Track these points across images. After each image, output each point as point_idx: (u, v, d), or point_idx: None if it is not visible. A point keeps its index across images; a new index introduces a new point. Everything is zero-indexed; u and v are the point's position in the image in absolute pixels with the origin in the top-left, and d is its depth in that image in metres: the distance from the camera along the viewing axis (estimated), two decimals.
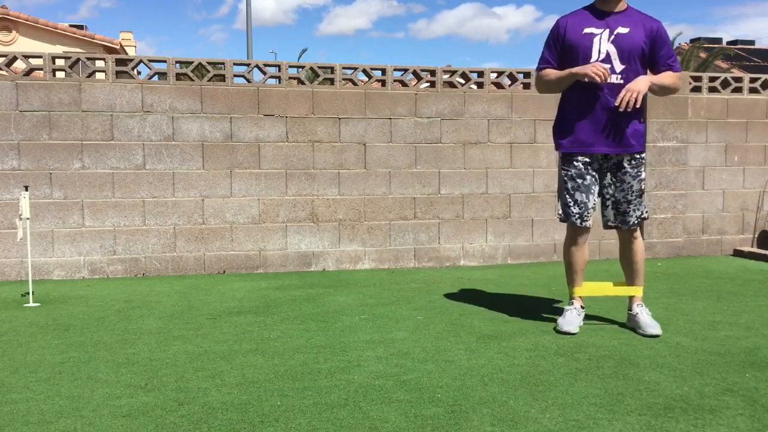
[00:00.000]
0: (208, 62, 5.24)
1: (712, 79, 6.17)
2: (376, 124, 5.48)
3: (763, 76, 6.30)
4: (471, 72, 5.69)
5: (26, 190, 4.31)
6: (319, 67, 5.46)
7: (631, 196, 3.42)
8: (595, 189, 3.47)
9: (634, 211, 3.43)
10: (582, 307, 3.55)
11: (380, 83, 5.60)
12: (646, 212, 3.50)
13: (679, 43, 25.66)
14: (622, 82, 3.33)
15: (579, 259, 3.53)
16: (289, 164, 5.36)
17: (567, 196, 3.48)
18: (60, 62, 5.10)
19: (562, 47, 3.42)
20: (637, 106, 3.26)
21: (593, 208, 3.49)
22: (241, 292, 4.51)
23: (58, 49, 20.51)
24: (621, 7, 3.38)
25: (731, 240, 6.29)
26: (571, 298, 3.58)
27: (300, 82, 5.47)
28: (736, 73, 18.50)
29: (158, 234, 5.18)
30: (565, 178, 3.49)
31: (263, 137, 5.30)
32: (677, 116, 6.02)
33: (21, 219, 4.20)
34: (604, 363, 2.91)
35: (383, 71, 5.53)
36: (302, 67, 5.49)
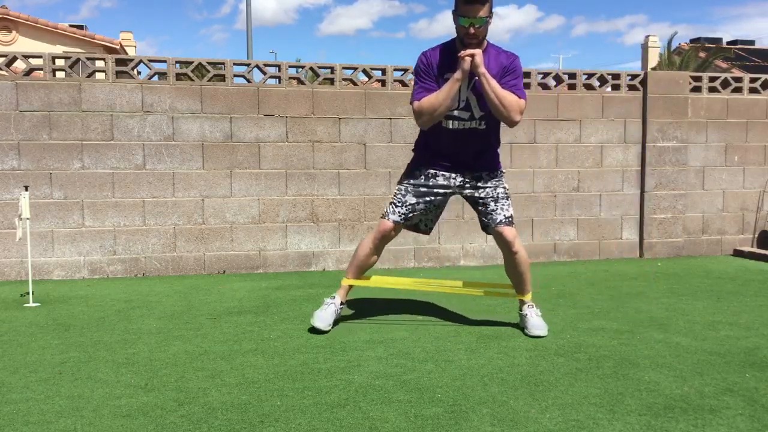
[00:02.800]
0: (208, 62, 5.24)
1: (712, 79, 6.17)
2: (376, 124, 5.48)
3: (763, 76, 6.30)
4: None
5: (26, 190, 4.31)
6: (319, 67, 5.46)
7: (497, 196, 3.41)
8: (432, 201, 3.45)
9: (501, 209, 3.40)
10: (342, 304, 3.53)
11: (380, 83, 5.60)
12: (512, 216, 3.45)
13: (679, 43, 25.67)
14: (483, 127, 3.34)
15: (370, 258, 3.48)
16: (289, 164, 5.36)
17: (399, 195, 3.44)
18: (60, 62, 5.09)
19: (437, 82, 3.29)
20: (467, 53, 3.13)
21: (416, 216, 3.45)
22: (241, 292, 4.51)
23: (58, 49, 20.52)
24: (481, 49, 3.26)
25: (731, 240, 6.29)
26: (336, 292, 3.56)
27: (300, 82, 5.47)
28: (736, 73, 18.50)
29: (158, 234, 5.18)
30: (406, 180, 3.47)
31: (263, 137, 5.30)
32: (677, 116, 6.02)
33: (21, 219, 4.20)
34: (604, 363, 2.91)
35: (383, 71, 5.53)
36: (302, 67, 5.49)
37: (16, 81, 4.92)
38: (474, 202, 3.49)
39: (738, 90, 6.21)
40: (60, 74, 5.15)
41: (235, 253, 5.33)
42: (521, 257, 3.43)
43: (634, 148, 6.00)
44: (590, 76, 5.94)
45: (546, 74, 5.84)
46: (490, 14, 3.18)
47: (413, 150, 3.58)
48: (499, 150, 3.54)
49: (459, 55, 3.17)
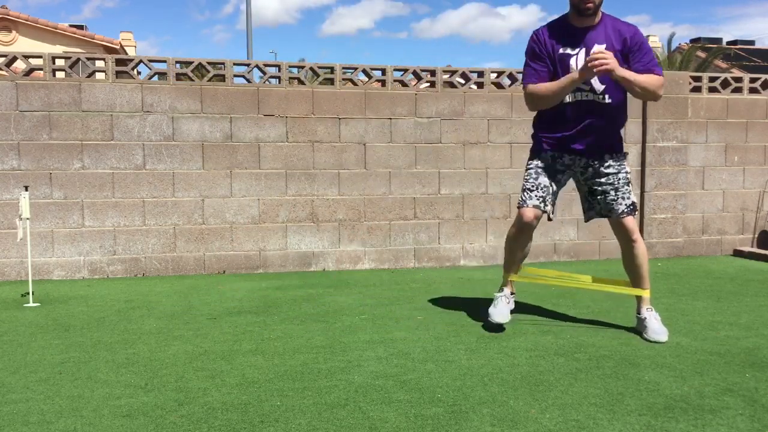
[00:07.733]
0: (208, 62, 5.24)
1: (712, 79, 6.16)
2: (376, 124, 5.48)
3: (763, 76, 6.30)
4: (471, 72, 5.69)
5: (26, 190, 4.31)
6: (319, 67, 5.46)
7: (618, 183, 3.35)
8: (560, 181, 3.40)
9: (622, 198, 3.34)
10: (512, 293, 3.56)
11: (380, 83, 5.60)
12: (635, 203, 3.40)
13: (679, 43, 25.67)
14: (607, 102, 3.25)
15: (521, 246, 3.45)
16: (289, 164, 5.36)
17: (531, 179, 3.37)
18: (60, 62, 5.09)
19: (550, 60, 3.27)
20: (602, 68, 3.01)
21: (553, 196, 3.38)
22: (241, 292, 4.51)
23: (58, 49, 20.51)
24: (595, 20, 3.24)
25: (731, 240, 6.29)
26: (504, 285, 3.58)
27: (300, 82, 5.47)
28: (736, 73, 18.50)
29: (158, 234, 5.18)
30: (533, 162, 3.41)
31: (263, 137, 5.30)
32: (677, 116, 6.02)
33: (21, 219, 4.20)
34: (604, 363, 2.91)
35: (383, 71, 5.53)
36: (302, 67, 5.49)
37: (16, 81, 4.92)
38: (592, 187, 3.39)
39: (738, 90, 6.20)
40: (60, 74, 5.15)
41: (235, 253, 5.33)
42: (640, 248, 3.37)
43: (634, 149, 5.99)
44: None
45: None
46: None
47: (533, 126, 3.48)
48: (622, 131, 3.42)
49: (589, 63, 3.04)
